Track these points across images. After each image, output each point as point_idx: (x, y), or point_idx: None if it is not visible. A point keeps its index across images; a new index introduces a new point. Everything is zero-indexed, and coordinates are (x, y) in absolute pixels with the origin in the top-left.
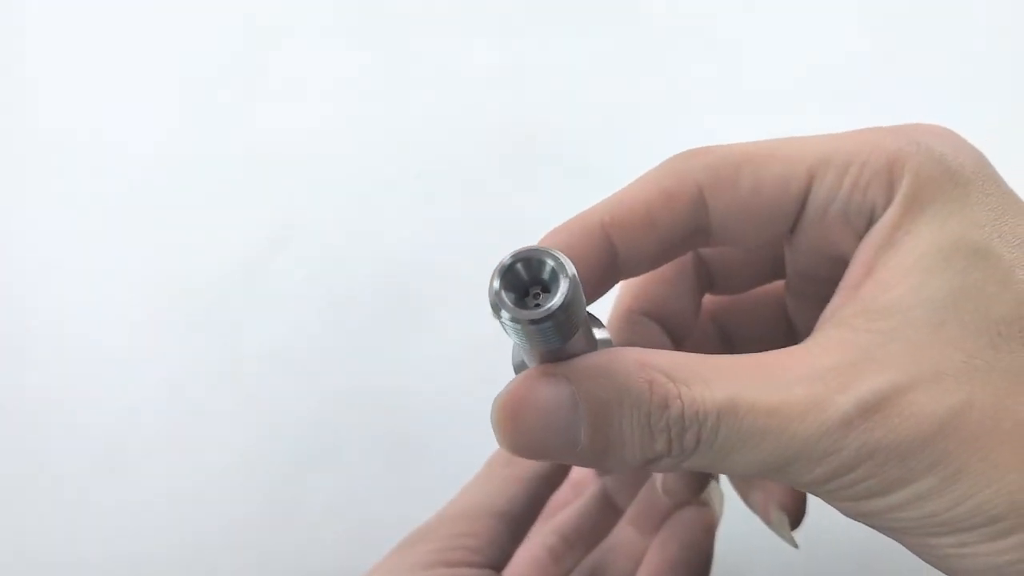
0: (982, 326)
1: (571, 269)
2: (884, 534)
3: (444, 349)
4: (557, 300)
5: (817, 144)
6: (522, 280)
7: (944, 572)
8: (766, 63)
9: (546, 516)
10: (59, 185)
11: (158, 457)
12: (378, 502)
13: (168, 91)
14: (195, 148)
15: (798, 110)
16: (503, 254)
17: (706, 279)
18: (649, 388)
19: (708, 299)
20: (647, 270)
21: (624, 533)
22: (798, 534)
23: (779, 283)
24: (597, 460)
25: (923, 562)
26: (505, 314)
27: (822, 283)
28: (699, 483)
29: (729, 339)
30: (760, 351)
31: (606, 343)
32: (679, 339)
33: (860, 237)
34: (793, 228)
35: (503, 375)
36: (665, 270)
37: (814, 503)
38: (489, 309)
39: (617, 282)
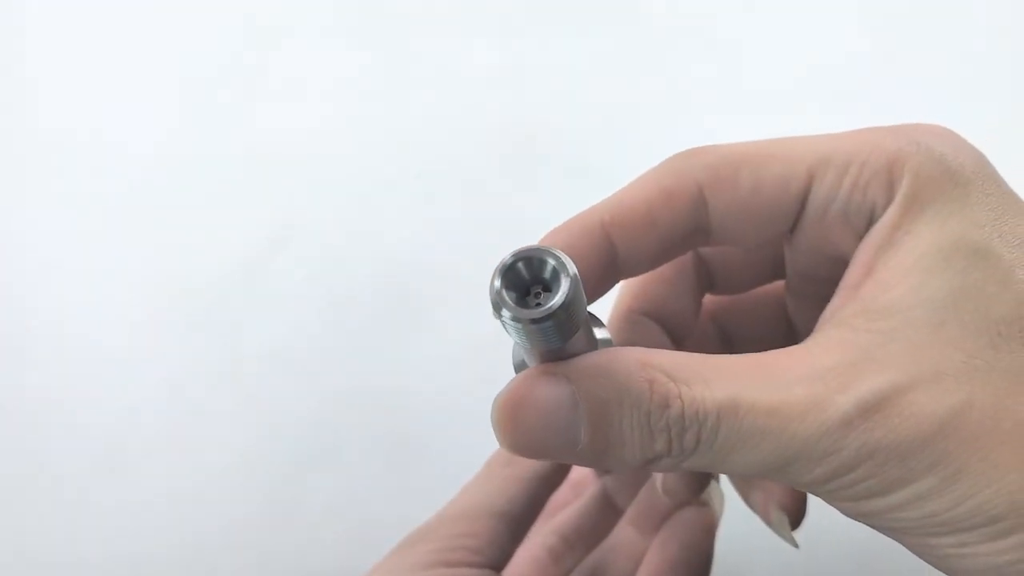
0: (982, 326)
1: (572, 268)
2: (884, 534)
3: (444, 349)
4: (558, 299)
5: (817, 144)
6: (523, 279)
7: (944, 572)
8: (766, 63)
9: (546, 516)
10: (59, 185)
11: (158, 457)
12: (378, 502)
13: (168, 91)
14: (195, 148)
15: (798, 110)
16: (503, 254)
17: (706, 279)
18: (649, 388)
19: (708, 299)
20: (647, 269)
21: (624, 533)
22: (798, 534)
23: (779, 283)
24: (597, 460)
25: (923, 562)
26: (506, 313)
27: (822, 283)
28: (699, 483)
29: (729, 339)
30: (760, 351)
31: (606, 343)
32: (679, 339)
33: (860, 237)
34: (793, 228)
35: (503, 375)
36: (665, 270)
37: (814, 503)
38: (490, 308)
39: (617, 281)
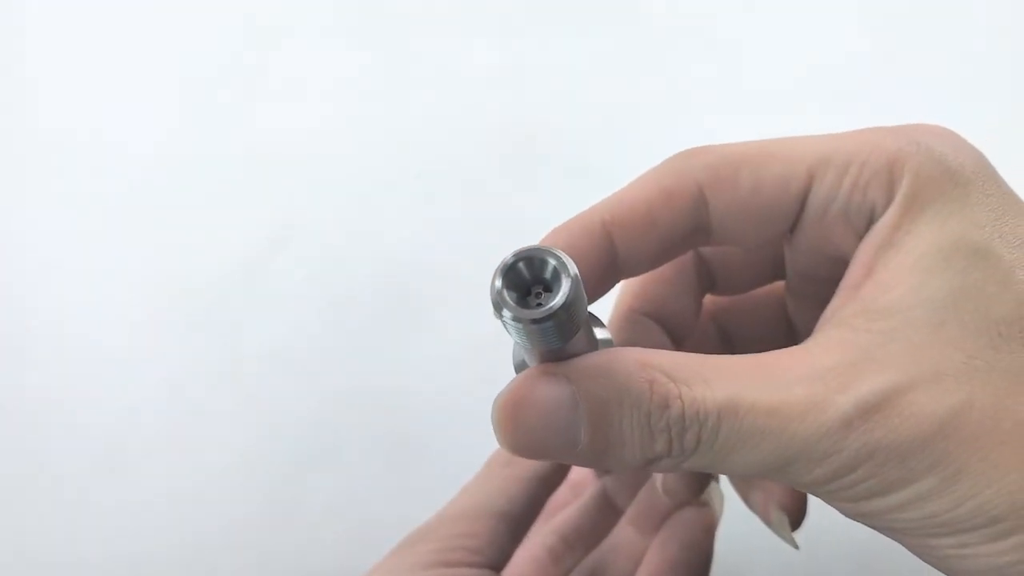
0: (982, 326)
1: (573, 269)
2: (884, 535)
3: (444, 349)
4: (559, 299)
5: (817, 144)
6: (524, 279)
7: (944, 572)
8: (766, 63)
9: (545, 517)
10: (59, 185)
11: (158, 457)
12: (378, 502)
13: (168, 91)
14: (195, 148)
15: (798, 110)
16: (503, 254)
17: (707, 279)
18: (649, 388)
19: (709, 299)
20: (647, 269)
21: (624, 533)
22: (798, 534)
23: (779, 284)
24: (597, 460)
25: (923, 562)
26: (507, 313)
27: (822, 283)
28: (699, 483)
29: (729, 339)
30: (760, 351)
31: (607, 343)
32: (679, 339)
33: (860, 237)
34: (793, 228)
35: (503, 375)
36: (665, 270)
37: (814, 503)
38: (490, 308)
39: (618, 281)
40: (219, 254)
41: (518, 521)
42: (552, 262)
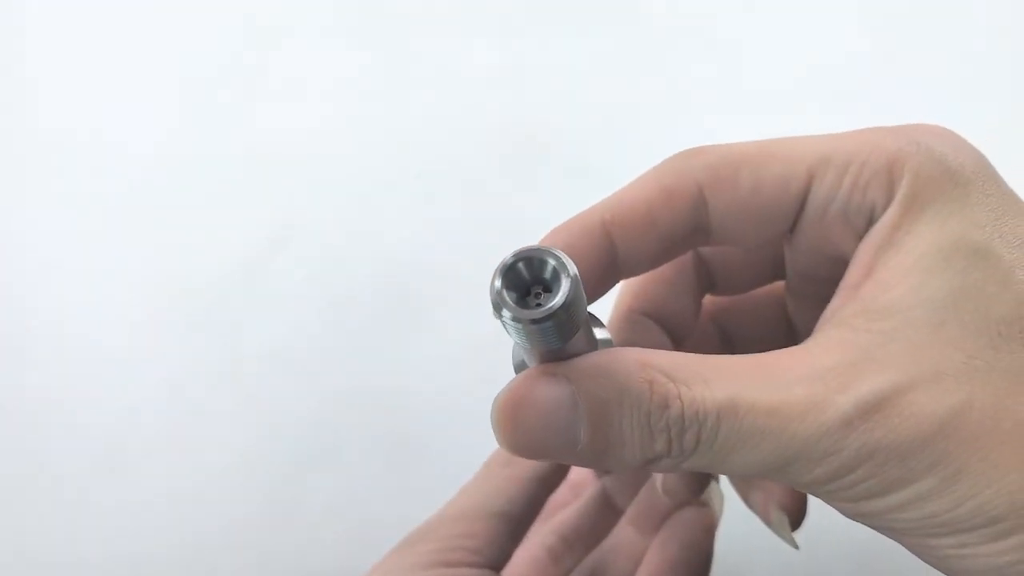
0: (982, 326)
1: (572, 269)
2: (884, 535)
3: (444, 349)
4: (559, 300)
5: (817, 144)
6: (524, 279)
7: (944, 573)
8: (766, 63)
9: (545, 517)
10: (59, 185)
11: (158, 457)
12: (378, 502)
13: (168, 91)
14: (195, 148)
15: (798, 110)
16: (503, 254)
17: (707, 280)
18: (649, 388)
19: (708, 300)
20: (647, 269)
21: (624, 533)
22: (798, 534)
23: (779, 284)
24: (597, 460)
25: (923, 562)
26: (507, 313)
27: (822, 283)
28: (699, 483)
29: (729, 339)
30: (760, 351)
31: (606, 343)
32: (679, 339)
33: (860, 237)
34: (793, 228)
35: (503, 375)
36: (665, 270)
37: (814, 503)
38: (490, 308)
39: (617, 281)
40: (219, 254)
41: (518, 521)
42: (551, 262)
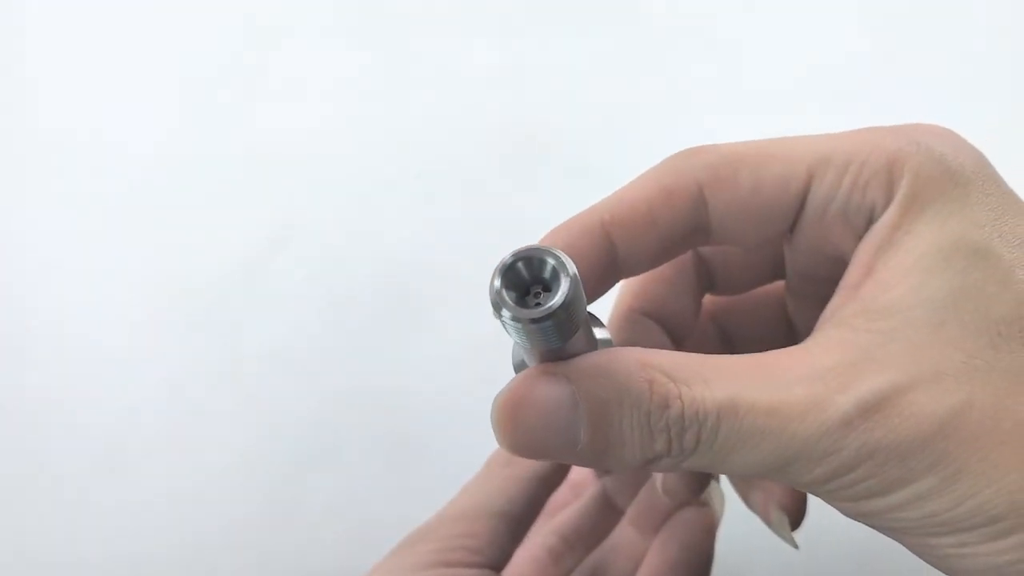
0: (982, 326)
1: (572, 268)
2: (884, 534)
3: (444, 349)
4: (558, 299)
5: (817, 143)
6: (523, 279)
7: (944, 572)
8: (766, 63)
9: (545, 517)
10: (59, 185)
11: (158, 457)
12: (378, 502)
13: (168, 91)
14: (195, 148)
15: (798, 110)
16: (503, 254)
17: (706, 279)
18: (649, 388)
19: (708, 299)
20: (647, 269)
21: (624, 534)
22: (798, 534)
23: (779, 283)
24: (597, 460)
25: (923, 562)
26: (506, 313)
27: (822, 283)
28: (699, 483)
29: (729, 339)
30: (760, 351)
31: (606, 343)
32: (679, 339)
33: (859, 237)
34: (793, 227)
35: (503, 375)
36: (665, 270)
37: (814, 503)
38: (490, 308)
39: (617, 281)
40: (219, 254)
41: (518, 521)
42: (551, 261)
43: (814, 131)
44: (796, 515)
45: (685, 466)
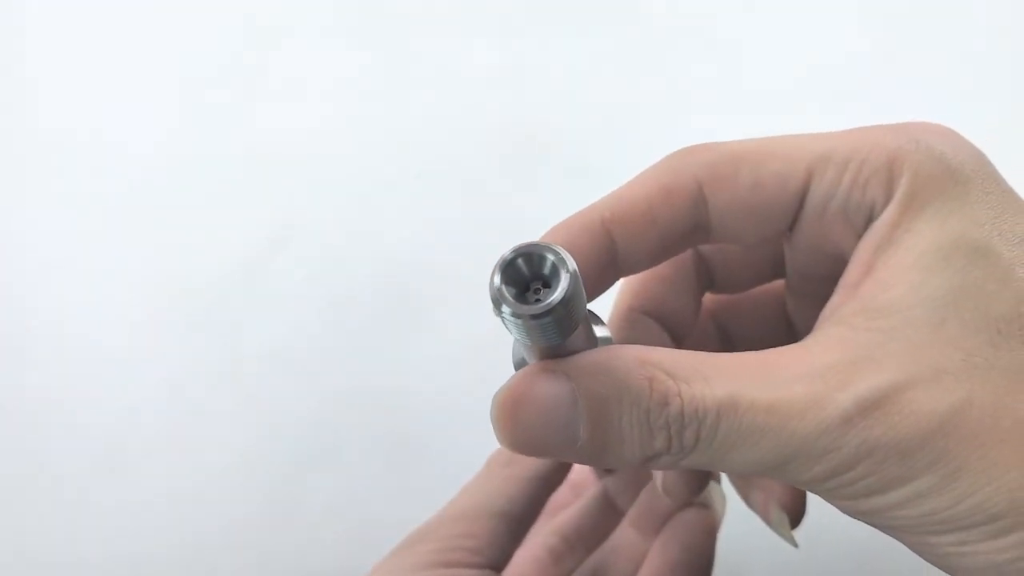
0: (982, 324)
1: (572, 264)
2: (884, 532)
3: (444, 349)
4: (558, 295)
5: (816, 141)
6: (523, 275)
7: (944, 570)
8: (766, 63)
9: (546, 517)
10: (59, 185)
11: (158, 457)
12: (378, 502)
13: (168, 91)
14: (195, 148)
15: (798, 110)
16: (503, 253)
17: (706, 278)
18: (649, 385)
19: (708, 298)
20: (647, 267)
21: (625, 534)
22: (798, 533)
23: (779, 282)
24: (596, 457)
25: (923, 561)
26: (506, 309)
27: (822, 281)
28: (699, 482)
29: (729, 338)
30: (760, 349)
31: (606, 340)
32: (679, 337)
33: (859, 235)
34: (792, 226)
35: (503, 375)
36: (665, 268)
37: (814, 502)
38: (490, 306)
39: (617, 279)
40: (219, 254)
41: (518, 521)
42: (551, 258)
43: (814, 131)
44: (796, 514)
45: (685, 464)
